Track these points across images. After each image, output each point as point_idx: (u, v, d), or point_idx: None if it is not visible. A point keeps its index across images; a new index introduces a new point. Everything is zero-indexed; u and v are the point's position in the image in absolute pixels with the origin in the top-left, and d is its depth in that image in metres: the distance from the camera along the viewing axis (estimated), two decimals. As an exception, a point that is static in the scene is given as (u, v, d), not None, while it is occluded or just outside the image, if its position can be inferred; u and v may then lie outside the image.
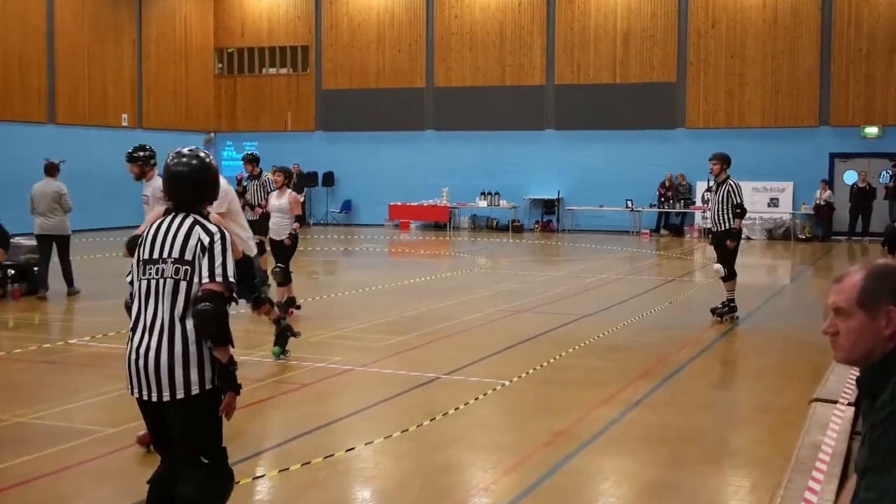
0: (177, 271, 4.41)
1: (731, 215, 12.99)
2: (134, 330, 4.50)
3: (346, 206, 33.39)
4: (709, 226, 13.52)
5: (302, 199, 16.48)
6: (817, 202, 28.11)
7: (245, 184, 16.56)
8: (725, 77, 29.48)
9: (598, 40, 30.61)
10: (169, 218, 4.56)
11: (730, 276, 13.15)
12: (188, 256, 4.42)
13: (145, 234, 4.58)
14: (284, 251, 13.19)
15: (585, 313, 13.64)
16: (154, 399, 4.43)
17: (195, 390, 4.38)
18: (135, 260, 4.59)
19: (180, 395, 4.38)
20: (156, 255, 4.47)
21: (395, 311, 13.71)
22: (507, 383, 9.15)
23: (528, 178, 31.20)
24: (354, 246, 26.10)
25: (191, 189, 4.55)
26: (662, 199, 29.68)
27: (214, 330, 4.35)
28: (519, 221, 31.01)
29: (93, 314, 13.55)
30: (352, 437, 7.40)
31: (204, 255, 4.41)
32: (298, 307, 13.40)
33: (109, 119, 30.35)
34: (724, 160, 13.11)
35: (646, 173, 29.76)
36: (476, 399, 8.54)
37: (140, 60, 31.55)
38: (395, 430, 7.49)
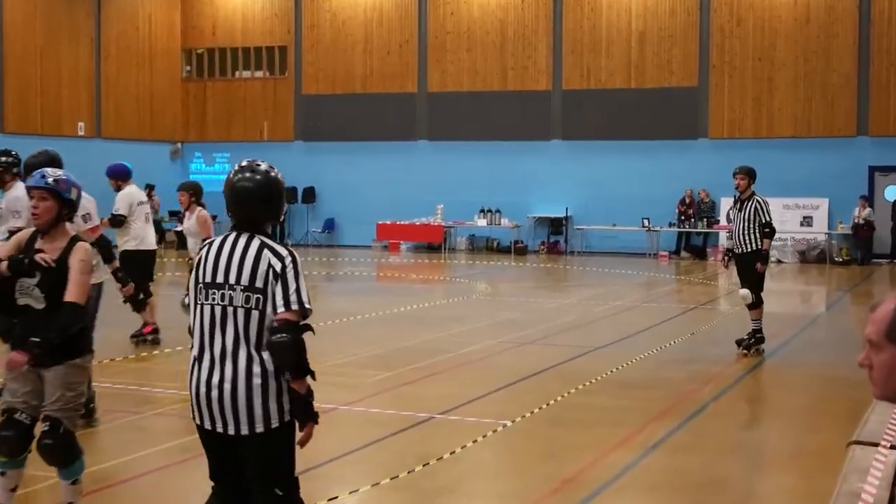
0: (247, 299, 4.55)
1: (758, 235, 12.99)
2: (199, 359, 4.63)
3: (329, 225, 33.43)
4: (729, 246, 13.49)
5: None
6: (856, 221, 28.16)
7: None
8: (753, 81, 29.61)
9: (610, 41, 30.74)
10: (232, 238, 4.67)
11: (756, 303, 13.15)
12: (259, 284, 4.55)
13: (204, 253, 4.70)
14: None
15: (597, 345, 13.65)
16: (230, 432, 4.58)
17: (275, 423, 4.58)
18: (192, 281, 4.72)
19: (260, 428, 4.56)
20: (220, 279, 4.59)
21: (383, 342, 13.70)
22: (509, 424, 9.15)
23: (532, 194, 31.25)
24: (338, 270, 26.08)
25: (256, 206, 4.66)
26: (683, 218, 29.73)
27: (293, 361, 4.55)
28: (522, 242, 31.05)
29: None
30: (335, 484, 7.39)
31: (277, 282, 4.55)
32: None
33: (64, 128, 30.39)
34: (750, 174, 13.13)
35: (664, 189, 29.83)
36: (475, 441, 8.53)
37: (98, 62, 31.63)
38: (384, 477, 7.48)
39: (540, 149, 31.33)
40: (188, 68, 35.33)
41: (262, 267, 4.56)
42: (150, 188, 31.62)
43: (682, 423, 9.38)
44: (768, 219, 13.01)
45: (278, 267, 4.57)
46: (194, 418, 4.68)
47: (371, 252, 31.35)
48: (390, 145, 32.58)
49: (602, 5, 30.79)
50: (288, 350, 4.50)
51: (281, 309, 4.52)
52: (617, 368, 11.93)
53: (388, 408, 9.85)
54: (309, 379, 4.62)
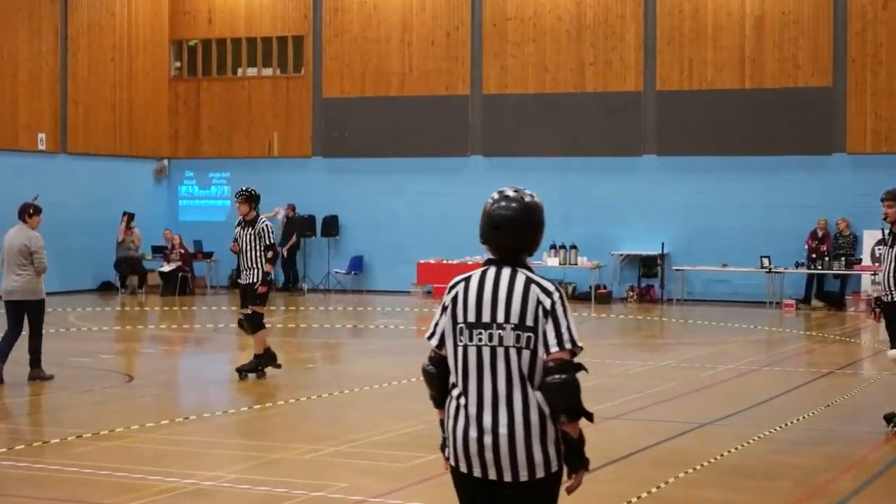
0: (518, 338, 5.35)
1: (913, 279, 12.89)
2: (465, 403, 5.45)
3: (356, 265, 33.50)
4: (879, 293, 13.39)
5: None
6: None
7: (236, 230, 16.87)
8: (904, 80, 29.47)
9: (718, 29, 30.70)
10: (492, 273, 5.50)
11: (912, 367, 13.03)
12: (529, 322, 5.36)
13: (461, 291, 5.51)
14: None
15: (703, 421, 13.56)
16: (507, 479, 5.36)
17: (554, 468, 5.39)
18: (448, 321, 5.51)
19: (540, 474, 5.36)
20: (486, 319, 5.40)
21: (425, 416, 13.62)
22: (588, 522, 9.09)
23: (618, 226, 31.18)
24: (367, 322, 26.09)
25: (516, 235, 5.49)
26: (814, 256, 29.52)
27: (570, 403, 5.32)
28: (605, 287, 30.96)
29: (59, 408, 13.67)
30: None
31: (547, 320, 5.36)
32: None
33: (21, 140, 30.72)
34: (902, 199, 13.03)
35: (789, 219, 29.65)
36: (544, 545, 8.47)
37: (65, 58, 31.96)
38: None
39: (628, 167, 31.28)
40: (178, 65, 35.65)
41: (532, 304, 5.38)
42: (128, 218, 31.91)
43: (816, 522, 9.29)
44: (926, 258, 12.91)
45: (548, 303, 5.38)
46: (458, 466, 5.45)
47: (410, 300, 31.38)
48: (435, 162, 32.64)
49: (708, -18, 30.82)
50: (565, 391, 5.27)
51: (554, 348, 5.31)
52: (729, 451, 11.84)
53: (430, 501, 9.82)
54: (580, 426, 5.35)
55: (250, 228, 16.45)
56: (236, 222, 16.81)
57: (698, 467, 11.11)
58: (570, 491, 5.41)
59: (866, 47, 29.78)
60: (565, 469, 5.37)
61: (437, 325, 5.56)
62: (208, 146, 35.21)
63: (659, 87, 31.22)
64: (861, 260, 28.89)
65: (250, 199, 16.55)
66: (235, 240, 16.64)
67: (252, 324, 16.44)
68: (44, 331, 16.15)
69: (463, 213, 32.22)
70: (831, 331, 24.70)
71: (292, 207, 32.91)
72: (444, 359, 5.52)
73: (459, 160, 32.69)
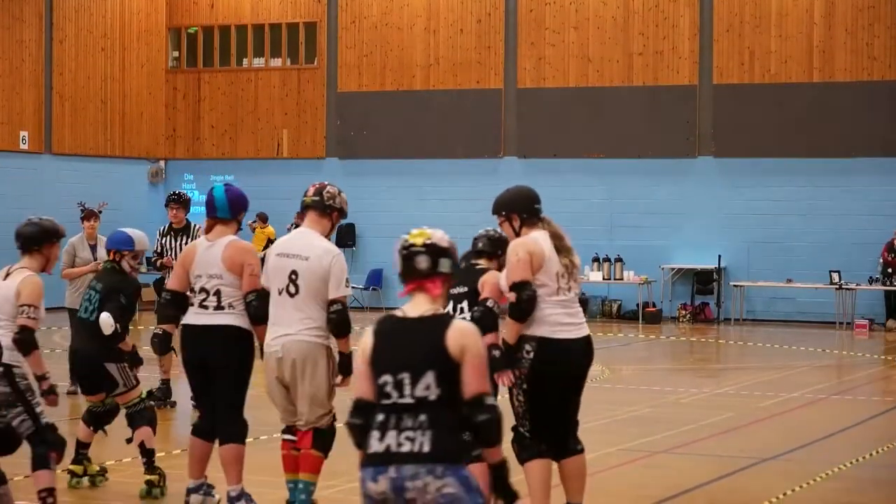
0: None
1: None
2: None
3: (375, 280, 33.53)
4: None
5: None
6: None
7: (162, 241, 16.69)
8: None
9: (783, 15, 30.66)
10: None
11: None
12: None
13: None
14: None
15: (764, 456, 13.57)
16: None
17: None
18: None
19: None
20: None
21: (453, 449, 13.71)
22: (634, 568, 9.16)
23: (669, 236, 31.16)
24: (388, 344, 26.07)
25: None
26: (890, 271, 29.43)
27: None
28: (655, 305, 30.97)
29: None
30: None
31: None
32: None
33: (2, 140, 30.80)
34: None
35: (863, 229, 29.59)
36: (584, 593, 8.55)
37: (49, 48, 32.04)
38: None
39: (681, 169, 31.26)
40: (176, 55, 35.75)
41: None
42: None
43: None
44: None
45: None
46: None
47: (435, 319, 31.33)
48: (463, 165, 32.67)
49: (771, -37, 30.83)
50: None
51: None
52: (793, 490, 11.86)
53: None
54: None
55: (183, 237, 16.21)
56: (161, 231, 16.60)
57: (758, 507, 11.18)
58: None
59: (950, 36, 29.78)
60: None
61: None
62: (210, 146, 35.26)
63: (716, 80, 31.19)
64: (944, 275, 28.86)
65: (187, 204, 16.39)
66: (160, 253, 16.45)
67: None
68: None
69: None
70: (910, 355, 24.74)
71: (263, 217, 31.77)
72: None
73: (491, 162, 32.69)
